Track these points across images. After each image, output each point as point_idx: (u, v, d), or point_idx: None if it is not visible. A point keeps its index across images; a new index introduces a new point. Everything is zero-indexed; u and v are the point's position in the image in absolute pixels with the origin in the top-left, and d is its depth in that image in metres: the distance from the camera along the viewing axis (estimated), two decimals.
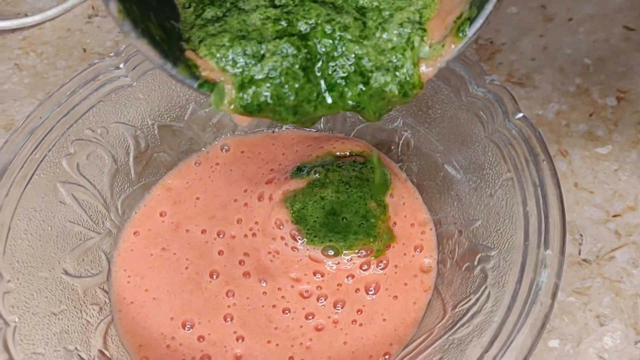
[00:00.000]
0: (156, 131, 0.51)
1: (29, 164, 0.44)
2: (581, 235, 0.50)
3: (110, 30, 0.71)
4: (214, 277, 0.47)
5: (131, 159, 0.50)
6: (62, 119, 0.47)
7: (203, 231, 0.50)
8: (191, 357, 0.43)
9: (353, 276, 0.46)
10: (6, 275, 0.40)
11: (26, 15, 0.73)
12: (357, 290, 0.46)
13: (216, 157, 0.54)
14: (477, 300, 0.38)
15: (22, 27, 0.72)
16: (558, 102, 0.59)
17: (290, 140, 0.56)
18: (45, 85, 0.67)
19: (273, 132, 0.55)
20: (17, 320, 0.38)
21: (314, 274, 0.46)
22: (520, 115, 0.43)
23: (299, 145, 0.55)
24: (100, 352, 0.41)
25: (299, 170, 0.50)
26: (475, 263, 0.41)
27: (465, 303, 0.39)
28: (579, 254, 0.49)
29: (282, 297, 0.46)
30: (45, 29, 0.72)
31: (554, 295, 0.36)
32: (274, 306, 0.46)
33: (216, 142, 0.54)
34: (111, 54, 0.50)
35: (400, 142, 0.50)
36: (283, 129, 0.56)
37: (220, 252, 0.48)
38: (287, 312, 0.45)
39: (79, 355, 0.39)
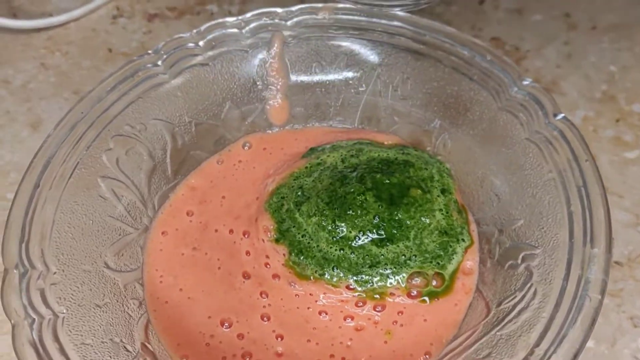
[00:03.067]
0: (193, 129, 0.51)
1: (71, 157, 0.44)
2: (613, 238, 0.51)
3: (136, 31, 0.72)
4: (247, 277, 0.47)
5: (168, 156, 0.50)
6: (102, 114, 0.47)
7: (230, 231, 0.50)
8: (232, 354, 0.43)
9: None
10: (52, 267, 0.40)
11: (51, 15, 0.73)
12: (397, 295, 0.45)
13: (238, 155, 0.54)
14: (523, 297, 0.39)
15: (47, 27, 0.72)
16: (584, 109, 0.60)
17: (313, 134, 0.55)
18: (70, 84, 0.67)
19: (295, 127, 0.55)
20: (65, 311, 0.38)
21: (347, 287, 0.46)
22: (561, 116, 0.43)
23: (324, 136, 0.54)
24: (143, 345, 0.41)
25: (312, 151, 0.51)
26: (519, 261, 0.41)
27: (511, 300, 0.39)
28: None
29: (316, 301, 0.46)
30: (70, 29, 0.73)
31: (602, 292, 0.36)
32: (308, 308, 0.46)
33: (238, 140, 0.54)
34: (149, 51, 0.50)
35: (437, 142, 0.50)
36: (308, 125, 0.56)
37: (247, 253, 0.48)
38: (323, 314, 0.45)
39: (124, 347, 0.39)
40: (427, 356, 0.43)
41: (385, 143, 0.52)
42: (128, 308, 0.43)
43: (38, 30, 0.72)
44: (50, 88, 0.67)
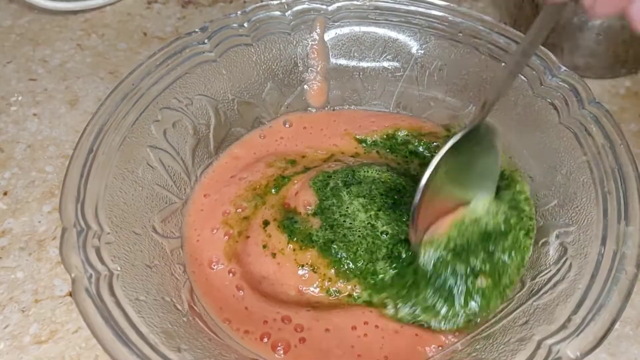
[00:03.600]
0: (236, 106, 0.53)
1: (123, 126, 0.46)
2: None
3: (170, 17, 0.74)
4: None
5: (211, 131, 0.52)
6: (151, 87, 0.48)
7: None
8: (272, 318, 0.45)
9: None
10: (106, 228, 0.41)
11: None
12: None
13: (279, 132, 0.56)
14: (559, 270, 0.40)
15: (84, 10, 0.74)
16: (608, 104, 0.62)
17: (351, 116, 0.57)
18: (106, 65, 0.69)
19: (334, 109, 0.57)
20: (119, 269, 0.40)
21: None
22: (595, 102, 0.45)
23: (362, 120, 0.56)
24: (190, 307, 0.42)
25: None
26: (553, 238, 0.43)
27: (546, 273, 0.41)
28: None
29: None
30: (106, 12, 0.74)
31: (638, 265, 0.38)
32: None
33: (278, 117, 0.56)
34: (197, 30, 0.52)
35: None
36: (344, 107, 0.57)
37: None
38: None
39: (175, 306, 0.41)
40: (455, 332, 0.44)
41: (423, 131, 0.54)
42: (175, 272, 0.44)
43: (75, 12, 0.74)
44: (87, 68, 0.69)
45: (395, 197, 0.48)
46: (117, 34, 0.72)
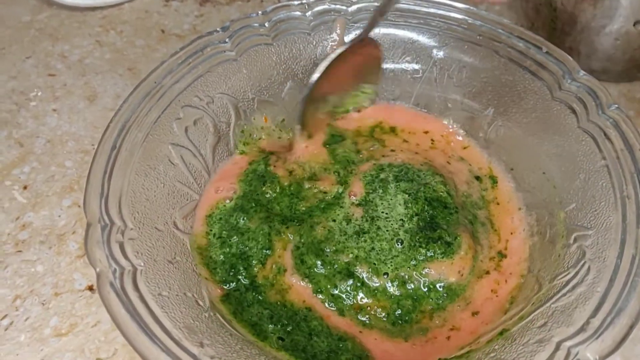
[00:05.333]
0: (256, 105, 0.53)
1: (145, 123, 0.46)
2: None
3: (188, 14, 0.74)
4: None
5: (231, 129, 0.52)
6: (173, 85, 0.49)
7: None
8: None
9: None
10: (129, 224, 0.42)
11: None
12: None
13: None
14: (577, 273, 0.41)
15: (102, 7, 0.75)
16: (625, 108, 0.62)
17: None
18: (125, 61, 0.69)
19: None
20: (142, 264, 0.40)
21: None
22: (615, 107, 0.46)
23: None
24: (212, 303, 0.43)
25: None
26: (571, 241, 0.43)
27: (564, 276, 0.41)
28: None
29: None
30: (124, 9, 0.75)
31: None
32: None
33: None
34: (218, 29, 0.52)
35: (489, 129, 0.52)
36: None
37: None
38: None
39: (197, 302, 0.41)
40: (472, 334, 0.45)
41: None
42: (196, 267, 0.45)
43: (93, 9, 0.74)
44: (105, 64, 0.69)
45: (436, 211, 0.48)
46: (135, 30, 0.73)
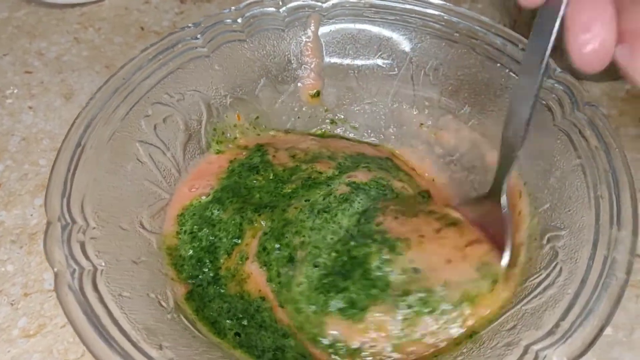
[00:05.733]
0: (228, 103, 0.52)
1: (112, 120, 0.46)
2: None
3: (168, 11, 0.73)
4: None
5: (202, 127, 0.51)
6: (142, 81, 0.48)
7: None
8: None
9: None
10: (92, 223, 0.41)
11: None
12: None
13: None
14: (549, 274, 0.40)
15: (81, 3, 0.74)
16: (608, 107, 0.61)
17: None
18: (102, 58, 0.69)
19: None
20: (103, 264, 0.39)
21: None
22: (590, 105, 0.45)
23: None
24: (176, 304, 0.42)
25: None
26: (545, 242, 0.42)
27: (536, 278, 0.41)
28: None
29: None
30: (103, 6, 0.74)
31: (628, 272, 0.37)
32: None
33: None
34: (189, 25, 0.51)
35: (465, 128, 0.52)
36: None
37: None
38: None
39: (160, 303, 0.40)
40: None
41: None
42: (162, 267, 0.44)
43: (72, 5, 0.74)
44: (83, 61, 0.68)
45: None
46: (114, 27, 0.72)
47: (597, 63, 0.33)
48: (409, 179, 0.52)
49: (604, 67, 0.33)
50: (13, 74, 0.66)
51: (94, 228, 0.41)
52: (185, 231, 0.47)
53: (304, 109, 0.56)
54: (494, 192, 0.43)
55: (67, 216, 0.40)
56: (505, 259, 0.42)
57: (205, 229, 0.47)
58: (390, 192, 0.49)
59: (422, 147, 0.55)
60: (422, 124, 0.54)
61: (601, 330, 0.35)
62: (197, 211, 0.48)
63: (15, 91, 0.65)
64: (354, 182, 0.49)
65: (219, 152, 0.52)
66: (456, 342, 0.39)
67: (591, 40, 0.32)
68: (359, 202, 0.47)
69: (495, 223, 0.43)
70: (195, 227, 0.47)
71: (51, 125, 0.62)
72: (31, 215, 0.55)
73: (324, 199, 0.47)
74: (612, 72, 0.59)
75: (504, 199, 0.43)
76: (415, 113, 0.54)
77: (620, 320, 0.47)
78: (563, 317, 0.36)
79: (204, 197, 0.49)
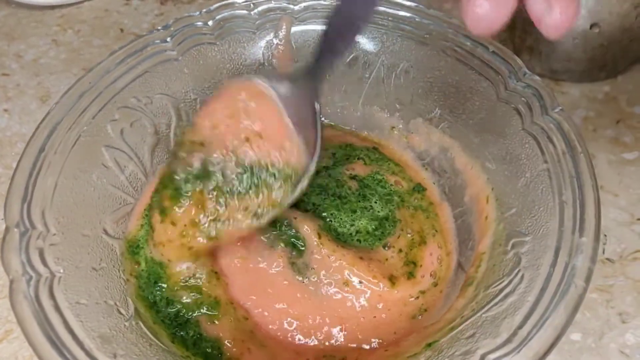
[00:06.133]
0: (198, 106, 0.52)
1: (77, 125, 0.45)
2: (605, 235, 0.51)
3: (147, 13, 0.73)
4: None
5: (172, 131, 0.51)
6: (109, 85, 0.48)
7: None
8: None
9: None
10: (52, 229, 0.41)
11: None
12: None
13: None
14: (510, 281, 0.39)
15: (60, 5, 0.73)
16: (586, 108, 0.61)
17: None
18: (80, 61, 0.68)
19: None
20: (62, 271, 0.39)
21: None
22: (559, 109, 0.44)
23: None
24: (136, 310, 0.42)
25: None
26: (509, 247, 0.42)
27: (498, 284, 0.40)
28: (603, 253, 0.51)
29: None
30: (83, 8, 0.74)
31: (588, 279, 0.37)
32: None
33: None
34: (159, 28, 0.51)
35: (435, 131, 0.51)
36: None
37: None
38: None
39: (118, 310, 0.40)
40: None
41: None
42: (124, 274, 0.43)
43: (52, 7, 0.73)
44: (61, 64, 0.68)
45: None
46: (93, 30, 0.72)
47: (487, 24, 0.31)
48: (400, 170, 0.52)
49: (497, 29, 0.31)
50: None
51: (54, 234, 0.41)
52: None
53: None
54: (312, 76, 0.42)
55: (26, 222, 0.40)
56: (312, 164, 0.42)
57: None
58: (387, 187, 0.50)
59: (395, 150, 0.54)
60: (393, 127, 0.54)
61: (557, 338, 0.35)
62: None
63: None
64: (357, 176, 0.49)
65: None
66: (414, 352, 0.39)
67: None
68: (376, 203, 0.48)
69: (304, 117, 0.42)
70: None
71: (26, 129, 0.62)
72: (2, 219, 0.55)
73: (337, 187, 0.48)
74: (592, 74, 0.59)
75: (317, 106, 0.42)
76: (386, 116, 0.54)
77: (590, 325, 0.47)
78: (521, 325, 0.36)
79: None
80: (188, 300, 0.43)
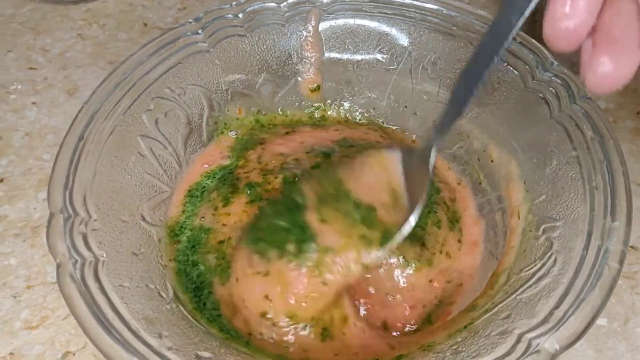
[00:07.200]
0: (229, 97, 0.53)
1: (114, 115, 0.46)
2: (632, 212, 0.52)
3: (171, 7, 0.74)
4: None
5: (204, 121, 0.52)
6: (144, 76, 0.49)
7: None
8: None
9: None
10: (93, 215, 0.42)
11: None
12: None
13: None
14: (543, 265, 0.40)
15: (85, 0, 0.74)
16: (606, 100, 0.62)
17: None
18: (106, 55, 0.69)
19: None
20: (104, 255, 0.40)
21: None
22: (586, 97, 0.45)
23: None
24: (176, 295, 0.43)
25: None
26: (540, 233, 0.43)
27: (531, 268, 0.41)
28: None
29: None
30: (107, 2, 0.75)
31: (621, 262, 0.38)
32: None
33: None
34: (190, 20, 0.52)
35: (463, 121, 0.52)
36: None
37: None
38: None
39: (159, 293, 0.41)
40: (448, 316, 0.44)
41: None
42: (162, 260, 0.44)
43: (76, 2, 0.74)
44: (87, 58, 0.69)
45: None
46: (118, 24, 0.73)
47: (564, 43, 0.30)
48: None
49: (570, 49, 0.31)
50: (17, 70, 0.67)
51: (96, 220, 0.41)
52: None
53: (303, 102, 0.56)
54: (423, 150, 0.42)
55: (69, 208, 0.41)
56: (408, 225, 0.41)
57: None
58: None
59: None
60: (415, 113, 0.54)
61: (593, 319, 0.36)
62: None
63: (19, 87, 0.66)
64: None
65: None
66: (449, 333, 0.40)
67: (569, 17, 0.30)
68: None
69: (416, 181, 0.42)
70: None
71: (55, 121, 0.63)
72: (34, 209, 0.56)
73: None
74: None
75: (432, 159, 0.41)
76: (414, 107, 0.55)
77: (615, 310, 0.48)
78: (557, 306, 0.37)
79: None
80: None
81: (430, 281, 0.46)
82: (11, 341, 0.48)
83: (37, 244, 0.53)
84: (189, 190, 0.49)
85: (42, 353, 0.47)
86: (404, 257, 0.46)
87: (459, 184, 0.52)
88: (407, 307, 0.46)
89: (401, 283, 0.46)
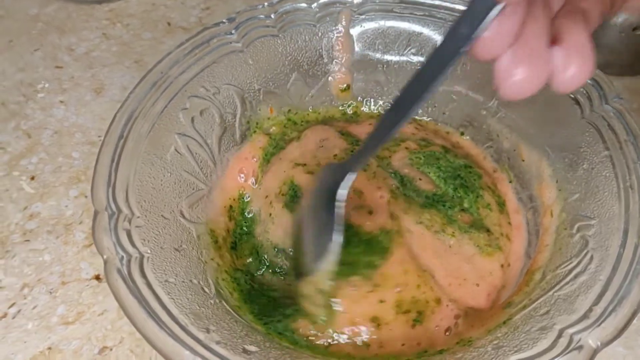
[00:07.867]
0: (261, 97, 0.54)
1: (151, 113, 0.47)
2: None
3: (194, 7, 0.75)
4: None
5: (237, 120, 0.53)
6: (180, 75, 0.49)
7: None
8: None
9: None
10: (136, 212, 0.42)
11: None
12: None
13: None
14: (580, 262, 0.41)
15: (109, 0, 0.75)
16: (629, 101, 0.62)
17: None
18: (132, 54, 0.70)
19: None
20: (149, 251, 0.41)
21: None
22: (618, 98, 0.46)
23: None
24: (217, 291, 0.43)
25: None
26: (574, 231, 0.43)
27: (567, 265, 0.42)
28: None
29: None
30: (131, 2, 0.75)
31: None
32: None
33: None
34: (224, 20, 0.53)
35: (492, 121, 0.53)
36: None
37: None
38: None
39: (202, 289, 0.42)
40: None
41: None
42: (202, 256, 0.45)
43: (100, 2, 0.75)
44: (112, 57, 0.70)
45: None
46: (142, 23, 0.73)
47: (527, 89, 0.30)
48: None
49: (535, 92, 0.30)
50: (44, 68, 0.68)
51: (139, 217, 0.42)
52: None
53: (333, 102, 0.57)
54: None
55: (113, 206, 0.42)
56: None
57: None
58: None
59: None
60: (444, 112, 0.55)
61: (633, 316, 0.37)
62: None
63: (47, 85, 0.66)
64: None
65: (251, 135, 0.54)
66: (488, 329, 0.40)
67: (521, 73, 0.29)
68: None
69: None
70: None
71: (82, 119, 0.63)
72: (66, 206, 0.57)
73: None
74: (634, 68, 0.60)
75: (341, 193, 0.40)
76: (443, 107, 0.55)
77: None
78: (596, 302, 0.37)
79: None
80: None
81: (502, 266, 0.47)
82: (49, 336, 0.48)
83: (70, 241, 0.54)
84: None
85: (80, 348, 0.48)
86: (477, 245, 0.47)
87: (494, 172, 0.53)
88: (486, 294, 0.47)
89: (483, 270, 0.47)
